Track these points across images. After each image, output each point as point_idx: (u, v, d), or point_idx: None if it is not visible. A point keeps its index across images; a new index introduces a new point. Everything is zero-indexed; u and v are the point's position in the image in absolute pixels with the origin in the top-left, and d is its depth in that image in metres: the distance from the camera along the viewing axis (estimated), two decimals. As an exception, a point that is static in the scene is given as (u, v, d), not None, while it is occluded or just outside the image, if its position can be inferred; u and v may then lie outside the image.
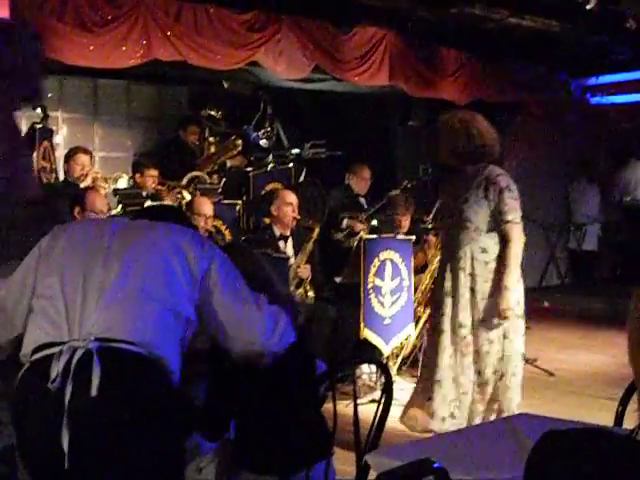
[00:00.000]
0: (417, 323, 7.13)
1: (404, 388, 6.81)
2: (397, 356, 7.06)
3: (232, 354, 2.74)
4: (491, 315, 5.28)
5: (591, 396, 6.81)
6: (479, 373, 5.38)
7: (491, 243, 5.28)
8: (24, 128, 8.82)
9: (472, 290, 5.32)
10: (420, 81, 9.25)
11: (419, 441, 3.06)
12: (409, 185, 8.51)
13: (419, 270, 7.52)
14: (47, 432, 2.42)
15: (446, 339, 5.45)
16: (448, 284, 5.43)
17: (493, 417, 5.33)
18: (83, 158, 7.45)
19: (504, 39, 9.51)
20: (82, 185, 7.25)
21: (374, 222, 7.82)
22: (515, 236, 5.22)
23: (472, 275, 5.32)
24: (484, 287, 5.30)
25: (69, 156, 7.55)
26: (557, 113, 11.38)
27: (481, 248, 5.30)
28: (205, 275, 2.68)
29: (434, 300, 5.71)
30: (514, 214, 5.24)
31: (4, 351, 2.82)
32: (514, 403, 5.40)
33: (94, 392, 2.38)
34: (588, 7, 7.97)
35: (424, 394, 5.56)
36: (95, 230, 2.80)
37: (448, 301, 5.42)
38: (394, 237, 7.13)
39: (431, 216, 8.43)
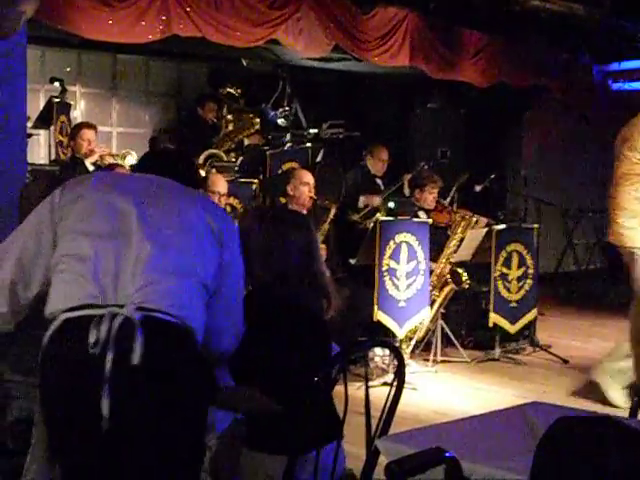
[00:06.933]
0: (431, 307, 7.09)
1: (416, 371, 6.79)
2: (410, 339, 7.03)
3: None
4: None
5: (605, 384, 6.76)
6: None
7: None
8: (42, 102, 8.84)
9: None
10: (441, 63, 9.16)
11: (430, 427, 3.02)
12: (425, 167, 8.44)
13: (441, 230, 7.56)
14: (84, 397, 2.39)
15: None
16: None
17: None
18: (88, 133, 7.39)
19: (527, 22, 9.41)
20: (88, 161, 7.22)
21: (391, 204, 7.77)
22: None
23: None
24: None
25: (74, 133, 7.51)
26: (578, 98, 11.27)
27: None
28: (224, 254, 2.69)
29: None
30: None
31: (16, 317, 2.76)
32: None
33: (136, 360, 2.37)
34: (613, -9, 7.87)
35: None
36: (118, 189, 2.71)
37: None
38: (411, 219, 7.09)
39: (448, 199, 8.38)
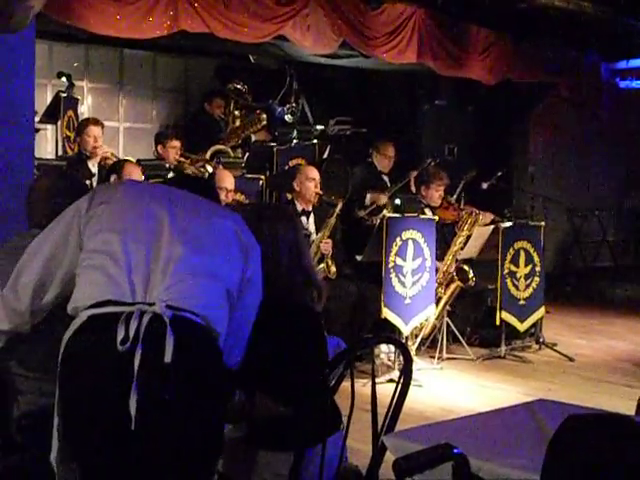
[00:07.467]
0: (437, 304, 7.09)
1: (422, 368, 6.79)
2: (416, 336, 7.03)
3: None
4: None
5: (610, 383, 6.77)
6: None
7: None
8: (49, 97, 8.85)
9: None
10: (448, 59, 9.14)
11: (437, 424, 3.02)
12: (432, 164, 8.42)
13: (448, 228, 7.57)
14: (110, 394, 2.38)
15: None
16: None
17: None
18: (94, 130, 7.32)
19: (535, 19, 9.39)
20: (90, 163, 7.19)
21: (397, 201, 7.76)
22: None
23: None
24: None
25: (80, 129, 7.47)
26: (586, 96, 11.25)
27: None
28: (248, 269, 2.72)
29: None
30: None
31: (35, 318, 2.79)
32: None
33: (168, 358, 2.37)
34: (622, -11, 7.85)
35: None
36: (148, 194, 2.76)
37: None
38: (417, 216, 7.08)
39: (455, 196, 8.37)
